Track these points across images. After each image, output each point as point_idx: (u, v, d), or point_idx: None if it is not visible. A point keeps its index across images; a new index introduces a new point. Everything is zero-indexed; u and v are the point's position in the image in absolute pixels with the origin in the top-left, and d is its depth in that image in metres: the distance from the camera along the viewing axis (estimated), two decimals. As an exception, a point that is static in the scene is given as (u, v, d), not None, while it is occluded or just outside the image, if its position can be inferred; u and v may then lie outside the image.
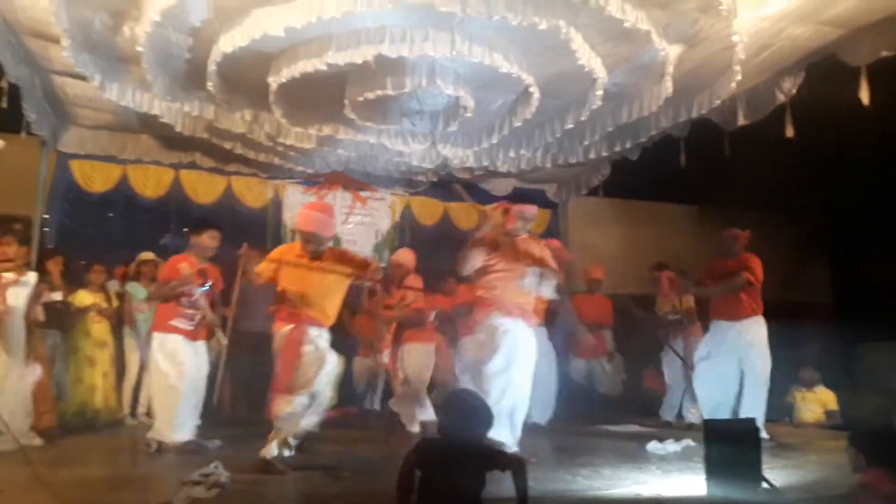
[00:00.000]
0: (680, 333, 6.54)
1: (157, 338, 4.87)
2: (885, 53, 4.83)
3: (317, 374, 4.07)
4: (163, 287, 4.93)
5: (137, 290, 6.45)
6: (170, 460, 4.50)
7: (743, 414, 5.17)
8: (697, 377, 5.55)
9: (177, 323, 4.83)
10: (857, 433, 3.10)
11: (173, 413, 4.76)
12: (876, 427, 3.08)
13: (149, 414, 6.31)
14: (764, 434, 5.07)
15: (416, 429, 5.56)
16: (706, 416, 5.26)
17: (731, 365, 5.31)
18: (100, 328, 6.15)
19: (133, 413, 6.33)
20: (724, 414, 5.27)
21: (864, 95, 5.00)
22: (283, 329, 4.18)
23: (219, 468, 3.51)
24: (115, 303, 6.32)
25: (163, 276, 5.02)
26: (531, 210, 4.77)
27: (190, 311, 4.83)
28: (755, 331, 5.31)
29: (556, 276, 4.64)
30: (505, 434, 4.24)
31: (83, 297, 6.15)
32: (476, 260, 4.56)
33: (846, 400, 6.48)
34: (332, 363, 4.20)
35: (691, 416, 6.37)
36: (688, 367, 6.26)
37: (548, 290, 4.63)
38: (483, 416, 2.76)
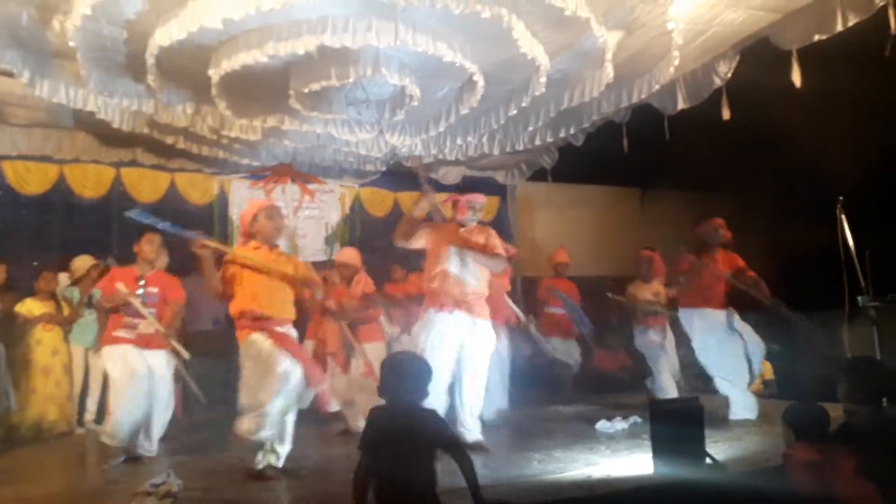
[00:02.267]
0: (654, 323, 6.50)
1: (106, 351, 4.72)
2: (816, 37, 4.99)
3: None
4: (102, 302, 4.83)
5: (76, 294, 6.26)
6: (120, 471, 4.40)
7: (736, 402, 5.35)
8: (723, 370, 5.47)
9: (119, 333, 4.69)
10: (788, 409, 3.23)
11: (121, 419, 4.58)
12: (803, 406, 3.22)
13: (97, 421, 6.19)
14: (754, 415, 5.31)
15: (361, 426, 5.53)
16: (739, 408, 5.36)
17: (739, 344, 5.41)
18: (51, 336, 5.97)
19: (80, 421, 6.15)
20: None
21: (797, 78, 5.19)
22: (252, 337, 3.92)
23: (170, 477, 3.45)
24: (67, 310, 6.12)
25: (101, 285, 4.88)
26: (480, 199, 4.88)
27: (132, 321, 4.69)
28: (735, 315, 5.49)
29: (500, 263, 4.71)
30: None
31: (32, 307, 5.94)
32: (420, 239, 4.59)
33: (781, 373, 6.74)
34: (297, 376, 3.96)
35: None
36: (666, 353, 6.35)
37: (484, 279, 4.68)
38: (421, 374, 2.79)
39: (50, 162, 7.40)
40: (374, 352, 5.55)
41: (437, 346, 4.43)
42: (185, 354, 4.80)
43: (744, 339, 5.38)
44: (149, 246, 4.79)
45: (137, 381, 4.61)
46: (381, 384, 2.83)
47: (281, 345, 3.86)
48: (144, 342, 4.71)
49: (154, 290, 4.80)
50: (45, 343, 5.93)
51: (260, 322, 3.91)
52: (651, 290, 6.48)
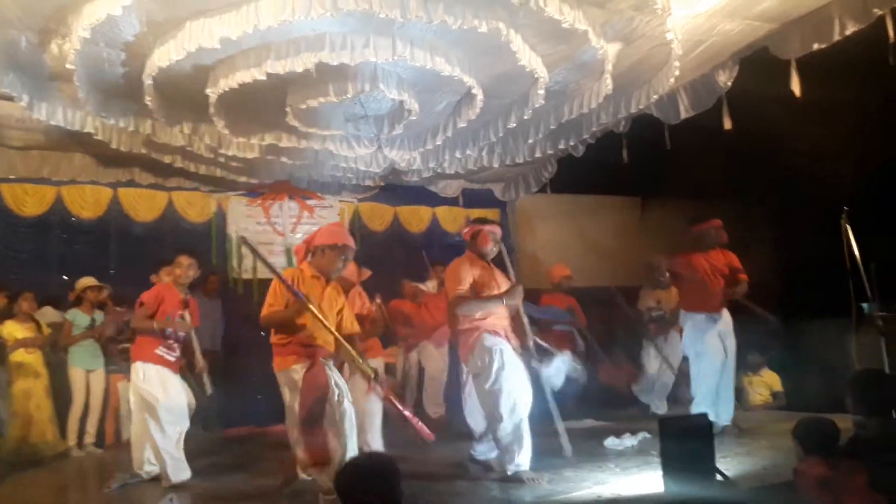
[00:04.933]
0: (663, 331, 6.51)
1: (141, 368, 4.54)
2: (815, 46, 4.99)
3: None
4: (146, 321, 4.60)
5: (78, 318, 6.20)
6: (121, 496, 4.33)
7: (720, 401, 5.26)
8: (698, 373, 5.43)
9: (161, 352, 4.58)
10: (797, 424, 3.20)
11: (172, 448, 4.48)
12: (812, 420, 3.19)
13: (96, 444, 6.12)
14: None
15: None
16: (702, 410, 5.26)
17: (720, 354, 5.34)
18: (32, 359, 5.88)
19: (80, 444, 6.08)
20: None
21: (796, 87, 5.19)
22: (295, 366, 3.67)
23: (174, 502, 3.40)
24: (47, 331, 6.06)
25: (147, 303, 4.65)
26: (499, 230, 4.72)
27: (172, 342, 4.62)
28: (728, 319, 5.42)
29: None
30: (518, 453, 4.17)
31: (12, 330, 5.87)
32: (467, 282, 4.36)
33: (789, 385, 6.67)
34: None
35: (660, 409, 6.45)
36: (669, 365, 6.29)
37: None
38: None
39: (47, 184, 7.37)
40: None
41: (511, 372, 4.22)
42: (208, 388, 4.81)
43: (725, 352, 5.31)
44: (179, 269, 4.71)
45: (183, 415, 4.55)
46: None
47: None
48: (178, 366, 4.65)
49: (186, 312, 4.76)
50: (27, 366, 5.84)
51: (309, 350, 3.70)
52: (653, 298, 6.45)
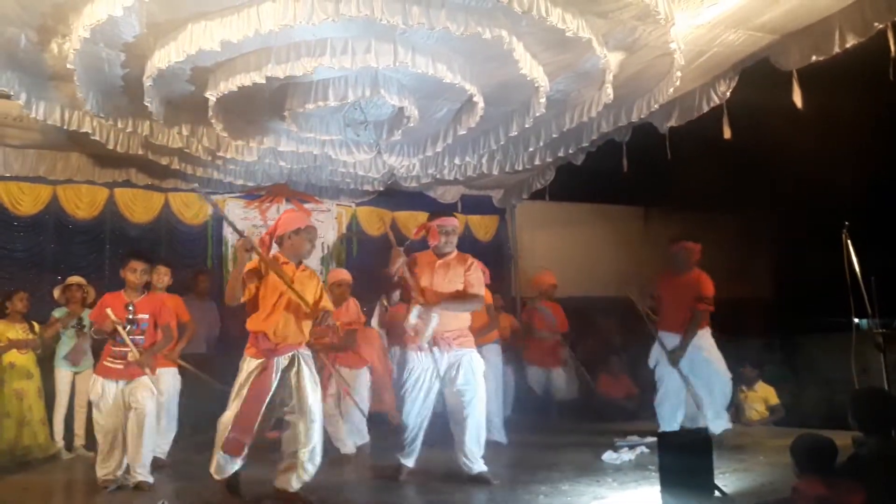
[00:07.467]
0: None
1: (92, 379, 4.66)
2: (814, 58, 5.00)
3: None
4: (93, 334, 4.74)
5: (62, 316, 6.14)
6: (112, 500, 4.29)
7: (710, 419, 5.26)
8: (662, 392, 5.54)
9: (108, 362, 4.58)
10: (795, 441, 3.17)
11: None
12: (810, 438, 3.17)
13: (86, 446, 6.05)
14: (728, 425, 5.32)
15: (348, 450, 5.43)
16: (663, 428, 5.29)
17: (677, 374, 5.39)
18: (25, 359, 5.81)
19: (69, 446, 6.02)
20: (677, 422, 5.39)
21: (797, 98, 5.19)
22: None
23: (166, 506, 3.37)
24: (38, 330, 6.00)
25: (92, 317, 4.75)
26: (451, 222, 4.63)
27: (121, 350, 4.54)
28: (703, 339, 5.41)
29: (476, 303, 4.55)
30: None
31: (4, 330, 5.79)
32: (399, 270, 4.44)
33: (786, 399, 6.63)
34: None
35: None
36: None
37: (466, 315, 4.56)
38: None
39: (43, 182, 7.33)
40: (353, 379, 5.47)
41: (415, 387, 4.41)
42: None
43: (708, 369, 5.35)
44: (132, 274, 4.62)
45: (115, 419, 4.54)
46: None
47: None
48: (133, 371, 4.56)
49: (144, 315, 4.65)
50: (19, 367, 5.77)
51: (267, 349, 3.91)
52: None
